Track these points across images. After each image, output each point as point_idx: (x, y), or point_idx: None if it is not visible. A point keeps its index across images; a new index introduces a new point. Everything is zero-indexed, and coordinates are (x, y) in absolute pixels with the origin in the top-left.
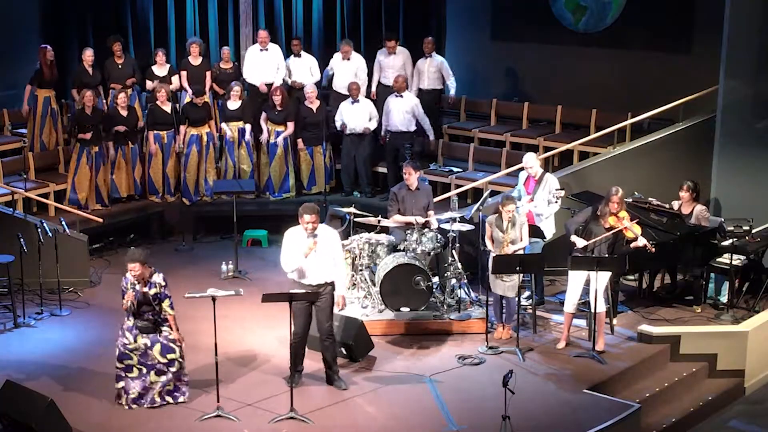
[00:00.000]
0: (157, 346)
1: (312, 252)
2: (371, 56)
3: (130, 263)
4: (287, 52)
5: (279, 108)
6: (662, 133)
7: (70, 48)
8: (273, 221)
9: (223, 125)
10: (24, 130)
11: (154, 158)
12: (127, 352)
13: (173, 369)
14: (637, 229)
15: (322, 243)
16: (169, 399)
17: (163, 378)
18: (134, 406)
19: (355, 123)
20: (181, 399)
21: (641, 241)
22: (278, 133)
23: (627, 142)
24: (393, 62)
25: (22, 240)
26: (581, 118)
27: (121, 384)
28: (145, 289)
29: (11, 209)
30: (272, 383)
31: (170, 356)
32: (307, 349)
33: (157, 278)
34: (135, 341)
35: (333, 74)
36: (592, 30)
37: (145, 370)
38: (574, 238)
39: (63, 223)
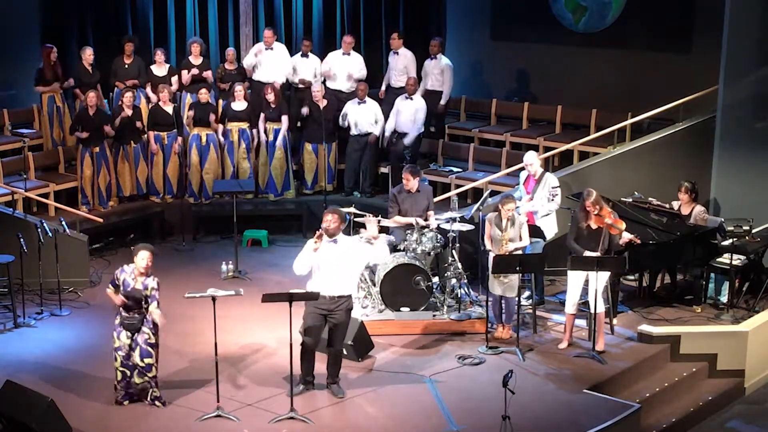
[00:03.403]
0: (138, 350)
1: (330, 259)
2: (371, 56)
3: (142, 251)
4: (290, 52)
5: (273, 105)
6: (662, 133)
7: (70, 48)
8: (273, 221)
9: (225, 124)
10: (24, 130)
11: (156, 158)
12: (114, 352)
13: (150, 374)
14: (621, 225)
15: (341, 253)
16: (158, 404)
17: (145, 379)
18: (125, 402)
19: (361, 124)
20: (158, 405)
21: (626, 236)
22: (276, 131)
23: (627, 142)
24: (396, 63)
25: (22, 240)
26: (581, 118)
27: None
28: (139, 287)
29: (11, 209)
30: (272, 383)
31: (147, 360)
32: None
33: (152, 282)
34: (119, 338)
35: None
36: (592, 30)
37: (128, 373)
38: (587, 253)
39: (63, 223)
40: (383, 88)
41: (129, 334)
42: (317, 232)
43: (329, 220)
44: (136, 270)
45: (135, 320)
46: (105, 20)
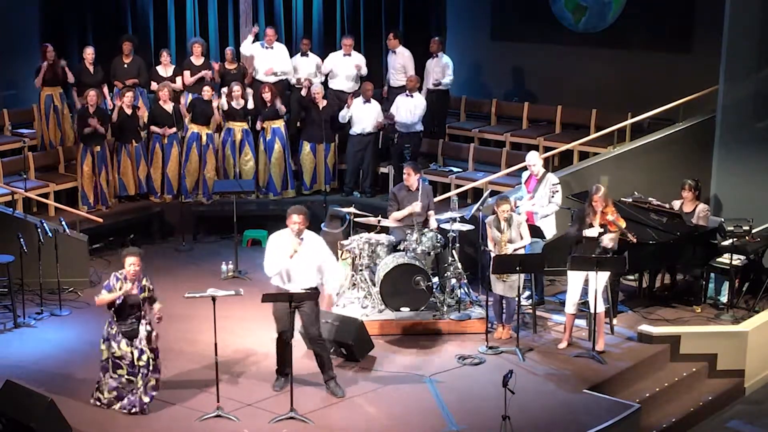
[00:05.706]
0: (136, 353)
1: (297, 256)
2: (371, 56)
3: (131, 256)
4: (291, 51)
5: (269, 103)
6: (662, 133)
7: (70, 48)
8: (273, 221)
9: (225, 122)
10: (24, 130)
11: (155, 157)
12: (117, 361)
13: (145, 371)
14: (622, 224)
15: (307, 249)
16: (145, 399)
17: (141, 375)
18: (108, 400)
19: (365, 123)
20: (146, 400)
21: (609, 238)
22: (274, 130)
23: (627, 142)
24: (394, 62)
25: (22, 240)
26: (581, 118)
27: (105, 387)
28: (135, 291)
29: (11, 209)
30: (272, 383)
31: (143, 359)
32: (306, 349)
33: (146, 282)
34: (119, 348)
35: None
36: (593, 30)
37: (134, 379)
38: (587, 231)
39: (63, 223)
40: (386, 87)
41: (128, 341)
42: (300, 243)
43: (298, 221)
44: (127, 276)
45: (134, 326)
46: (105, 20)
